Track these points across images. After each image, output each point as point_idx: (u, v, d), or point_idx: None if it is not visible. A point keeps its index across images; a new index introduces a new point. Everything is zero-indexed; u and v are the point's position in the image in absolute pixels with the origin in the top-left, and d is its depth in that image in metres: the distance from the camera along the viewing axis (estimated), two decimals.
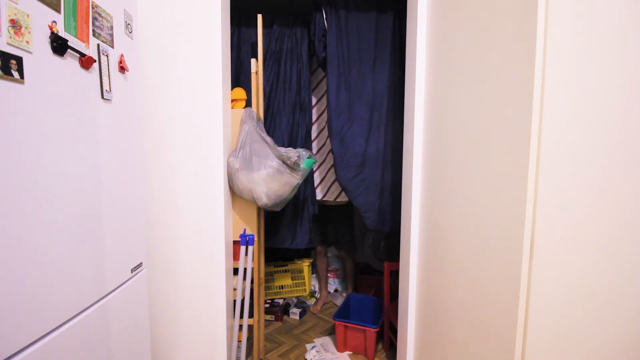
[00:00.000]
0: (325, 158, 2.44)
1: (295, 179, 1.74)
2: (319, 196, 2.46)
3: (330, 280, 2.93)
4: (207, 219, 1.63)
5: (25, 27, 0.73)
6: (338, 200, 2.49)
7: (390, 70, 2.03)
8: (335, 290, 2.92)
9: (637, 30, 0.82)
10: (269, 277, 2.73)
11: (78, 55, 0.89)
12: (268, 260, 2.73)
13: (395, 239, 1.89)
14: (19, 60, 0.71)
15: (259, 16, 1.86)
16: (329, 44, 2.00)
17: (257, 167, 1.67)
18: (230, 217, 1.75)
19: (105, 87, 1.01)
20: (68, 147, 0.86)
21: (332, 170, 2.32)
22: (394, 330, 2.00)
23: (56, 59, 0.82)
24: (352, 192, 2.09)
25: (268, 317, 2.54)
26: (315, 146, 2.47)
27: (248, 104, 1.94)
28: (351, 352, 2.14)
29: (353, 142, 2.06)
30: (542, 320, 0.90)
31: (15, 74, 0.71)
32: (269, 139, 1.75)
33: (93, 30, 0.95)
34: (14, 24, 0.70)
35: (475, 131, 1.14)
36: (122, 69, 1.09)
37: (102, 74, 0.99)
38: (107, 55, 1.01)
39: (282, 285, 2.75)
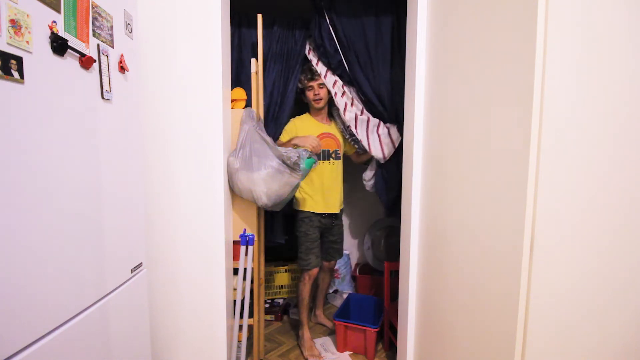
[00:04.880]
0: None
1: (295, 179, 1.74)
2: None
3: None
4: (207, 219, 1.62)
5: (25, 27, 0.73)
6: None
7: (391, 71, 2.04)
8: (335, 291, 2.91)
9: (638, 29, 0.82)
10: (269, 277, 2.73)
11: (78, 55, 0.89)
12: (268, 260, 2.73)
13: (396, 239, 1.89)
14: (19, 60, 0.71)
15: (259, 16, 1.86)
16: (330, 46, 2.01)
17: (257, 167, 1.67)
18: (230, 217, 1.75)
19: (105, 87, 1.01)
20: (68, 147, 0.86)
21: None
22: (394, 330, 2.00)
23: (56, 59, 0.82)
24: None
25: (268, 317, 2.54)
26: None
27: (248, 104, 1.94)
28: (351, 352, 2.14)
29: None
30: (542, 320, 0.90)
31: (15, 74, 0.71)
32: (269, 139, 1.75)
33: (93, 30, 0.95)
34: (14, 24, 0.70)
35: (476, 131, 1.14)
36: (122, 69, 1.09)
37: (102, 74, 0.99)
38: (107, 55, 1.01)
39: (282, 285, 2.75)
